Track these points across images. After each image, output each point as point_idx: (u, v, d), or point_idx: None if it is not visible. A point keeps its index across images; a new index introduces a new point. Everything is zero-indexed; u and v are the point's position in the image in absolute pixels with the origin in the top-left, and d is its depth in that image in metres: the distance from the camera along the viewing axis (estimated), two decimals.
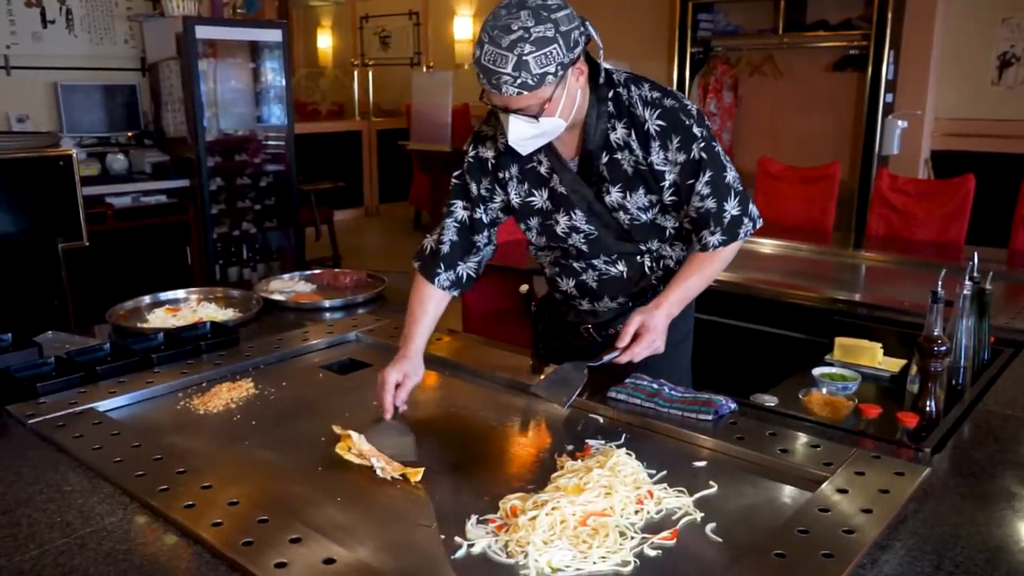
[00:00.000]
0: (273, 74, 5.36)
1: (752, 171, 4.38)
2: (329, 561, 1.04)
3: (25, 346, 1.83)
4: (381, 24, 9.56)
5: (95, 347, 1.85)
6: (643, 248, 1.71)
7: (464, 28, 8.50)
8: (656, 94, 1.58)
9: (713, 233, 1.61)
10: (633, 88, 1.59)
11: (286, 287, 2.45)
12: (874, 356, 2.00)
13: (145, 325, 2.11)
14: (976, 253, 1.86)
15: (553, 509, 1.13)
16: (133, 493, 1.23)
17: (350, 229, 8.05)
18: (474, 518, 1.16)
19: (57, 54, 4.86)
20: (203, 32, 4.80)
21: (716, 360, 2.51)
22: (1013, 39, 4.72)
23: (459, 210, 1.72)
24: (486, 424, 1.55)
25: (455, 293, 1.73)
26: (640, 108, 1.57)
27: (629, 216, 1.65)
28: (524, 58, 1.37)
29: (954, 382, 1.71)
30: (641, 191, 1.62)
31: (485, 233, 1.74)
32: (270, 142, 5.42)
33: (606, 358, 1.55)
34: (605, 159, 1.61)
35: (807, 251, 3.34)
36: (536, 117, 1.47)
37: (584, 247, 1.72)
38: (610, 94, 1.59)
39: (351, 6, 9.71)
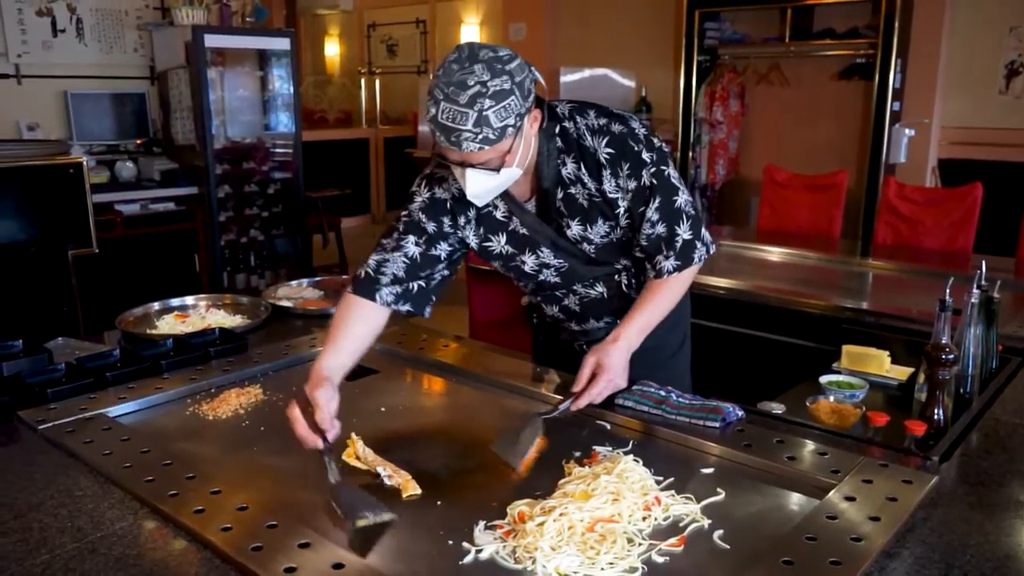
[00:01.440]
0: (281, 82, 5.40)
1: (759, 179, 4.38)
2: (338, 566, 1.05)
3: (36, 352, 1.84)
4: (388, 32, 9.60)
5: (105, 353, 1.87)
6: (618, 266, 1.70)
7: (471, 36, 8.54)
8: (603, 121, 1.55)
9: (667, 258, 1.58)
10: (579, 119, 1.56)
11: (294, 294, 2.46)
12: (881, 364, 2.00)
13: (154, 331, 2.12)
14: (984, 261, 1.85)
15: (561, 515, 1.14)
16: (143, 498, 1.24)
17: (357, 236, 8.06)
18: (482, 524, 1.17)
19: (67, 63, 4.89)
20: (212, 41, 4.84)
21: (723, 367, 2.52)
22: (1021, 48, 4.72)
23: (411, 246, 1.61)
24: (493, 430, 1.55)
25: (403, 308, 1.61)
26: (589, 138, 1.54)
27: (593, 246, 1.64)
28: (485, 113, 1.33)
29: (962, 390, 1.71)
30: (600, 221, 1.61)
31: (440, 267, 1.65)
32: (278, 150, 5.44)
33: (561, 407, 1.48)
34: (561, 195, 1.59)
35: (814, 259, 3.33)
36: (497, 170, 1.43)
37: (557, 279, 1.71)
38: (557, 129, 1.55)
39: (358, 15, 9.76)
